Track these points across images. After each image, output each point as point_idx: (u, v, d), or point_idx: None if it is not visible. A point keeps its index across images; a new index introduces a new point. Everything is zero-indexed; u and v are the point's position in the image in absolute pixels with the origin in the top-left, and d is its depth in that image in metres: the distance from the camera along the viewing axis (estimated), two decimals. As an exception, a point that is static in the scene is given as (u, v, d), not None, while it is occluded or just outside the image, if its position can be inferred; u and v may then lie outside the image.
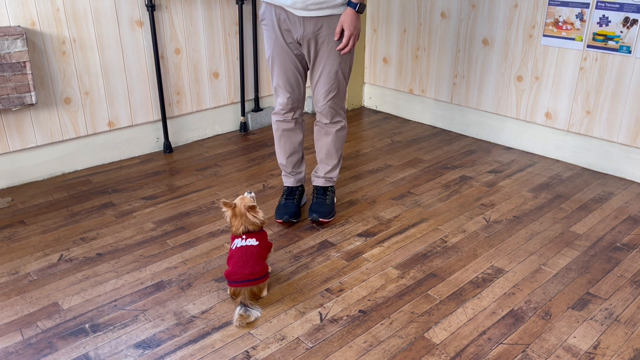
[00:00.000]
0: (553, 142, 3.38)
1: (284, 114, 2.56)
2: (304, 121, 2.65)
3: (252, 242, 2.06)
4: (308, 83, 2.55)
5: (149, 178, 3.10)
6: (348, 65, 2.44)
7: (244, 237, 2.07)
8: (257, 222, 2.09)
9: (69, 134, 3.08)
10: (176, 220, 2.65)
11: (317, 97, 2.49)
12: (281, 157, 2.68)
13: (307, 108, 4.19)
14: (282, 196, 2.71)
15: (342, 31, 2.31)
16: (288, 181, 2.72)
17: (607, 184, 3.07)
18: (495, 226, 2.63)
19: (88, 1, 2.94)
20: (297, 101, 2.53)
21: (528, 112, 3.43)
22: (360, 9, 2.29)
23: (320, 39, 2.34)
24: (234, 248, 2.07)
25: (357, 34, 2.33)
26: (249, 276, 2.00)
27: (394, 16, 3.94)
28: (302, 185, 2.75)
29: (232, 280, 2.02)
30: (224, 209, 2.10)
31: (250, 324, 1.96)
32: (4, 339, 1.89)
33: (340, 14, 2.30)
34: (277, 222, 2.62)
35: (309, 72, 2.50)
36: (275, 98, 2.55)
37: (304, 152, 2.75)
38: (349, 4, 2.28)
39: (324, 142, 2.61)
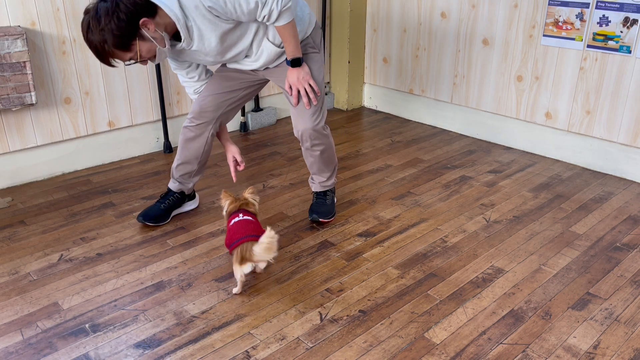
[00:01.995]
0: (553, 142, 3.38)
1: (190, 118, 2.45)
2: (212, 137, 2.48)
3: (250, 218, 2.14)
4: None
5: (149, 178, 3.10)
6: (319, 76, 2.37)
7: (240, 214, 2.14)
8: (255, 202, 2.26)
9: (69, 134, 3.08)
10: (176, 220, 2.65)
11: (297, 118, 2.39)
12: (175, 161, 2.58)
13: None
14: None
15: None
16: (171, 184, 2.63)
17: (607, 184, 3.07)
18: (495, 226, 2.63)
19: (88, 1, 2.94)
20: (208, 118, 2.43)
21: (528, 112, 3.43)
22: (294, 64, 2.25)
23: (283, 65, 2.33)
24: (232, 224, 2.12)
25: (308, 79, 2.29)
26: (252, 234, 2.03)
27: (394, 16, 3.94)
28: (182, 193, 2.63)
29: (235, 240, 2.04)
30: (223, 197, 2.27)
31: (250, 324, 1.96)
32: (4, 339, 1.89)
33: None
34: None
35: (286, 96, 2.41)
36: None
37: (202, 170, 2.62)
38: (287, 62, 2.26)
39: (311, 161, 2.55)
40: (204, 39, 2.09)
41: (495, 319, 2.01)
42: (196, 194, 2.79)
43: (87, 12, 1.93)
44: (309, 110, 2.35)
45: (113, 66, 2.04)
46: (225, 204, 2.25)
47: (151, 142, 3.43)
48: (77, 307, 2.05)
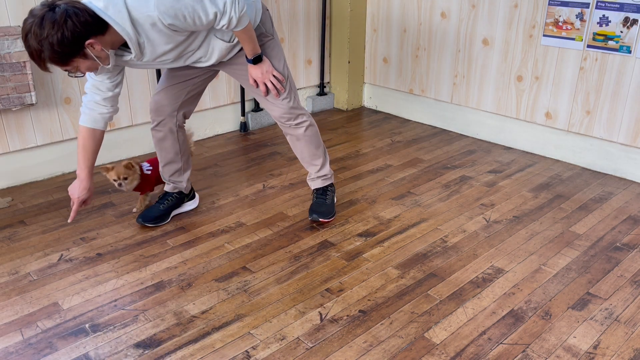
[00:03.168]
0: (553, 142, 3.38)
1: (152, 118, 2.47)
2: (180, 130, 2.51)
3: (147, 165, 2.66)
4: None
5: (149, 178, 3.10)
6: (280, 63, 2.36)
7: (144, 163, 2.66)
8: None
9: (69, 134, 3.08)
10: (176, 220, 2.65)
11: (272, 106, 2.42)
12: (159, 165, 2.60)
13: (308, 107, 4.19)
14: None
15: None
16: (166, 186, 2.65)
17: (607, 184, 3.07)
18: (495, 226, 2.63)
19: (88, 1, 2.94)
20: (168, 111, 2.43)
21: (528, 112, 3.43)
22: (256, 61, 2.26)
23: (237, 58, 2.32)
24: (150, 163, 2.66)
25: (271, 71, 2.30)
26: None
27: (394, 16, 3.94)
28: (180, 193, 2.65)
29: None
30: (105, 170, 2.52)
31: (250, 324, 1.96)
32: (4, 339, 1.89)
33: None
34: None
35: (250, 91, 2.42)
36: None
37: (189, 163, 2.63)
38: (248, 60, 2.27)
39: (300, 147, 2.56)
40: (156, 51, 2.06)
41: (495, 319, 2.01)
42: (196, 193, 2.79)
43: (32, 15, 1.82)
44: (280, 96, 2.38)
45: (49, 71, 1.94)
46: (112, 173, 2.49)
47: (151, 142, 3.43)
48: (77, 307, 2.05)
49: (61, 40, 1.80)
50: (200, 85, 2.46)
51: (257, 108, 3.88)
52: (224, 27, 2.06)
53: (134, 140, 3.35)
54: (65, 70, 1.95)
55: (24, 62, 2.70)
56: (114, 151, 3.29)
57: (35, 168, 3.03)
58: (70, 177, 3.09)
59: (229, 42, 2.21)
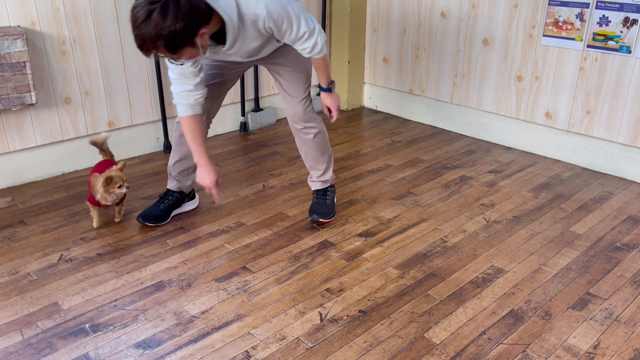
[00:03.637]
0: (553, 142, 3.38)
1: None
2: (206, 128, 2.56)
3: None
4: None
5: (149, 178, 3.10)
6: (309, 66, 2.46)
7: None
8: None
9: (69, 134, 3.08)
10: (176, 220, 2.65)
11: (289, 102, 2.47)
12: (171, 159, 2.60)
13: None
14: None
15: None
16: (170, 183, 2.64)
17: (607, 184, 3.07)
18: (495, 226, 2.63)
19: (88, 1, 2.94)
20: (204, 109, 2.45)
21: (528, 112, 3.43)
22: (332, 89, 2.43)
23: (276, 54, 2.36)
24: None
25: (339, 99, 2.50)
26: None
27: (394, 16, 3.94)
28: (180, 192, 2.65)
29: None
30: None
31: (250, 324, 1.96)
32: (4, 339, 1.89)
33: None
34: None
35: (276, 80, 2.48)
36: None
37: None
38: (322, 89, 2.40)
39: (305, 150, 2.59)
40: (243, 47, 2.12)
41: (495, 319, 2.01)
42: (196, 194, 2.79)
43: (152, 1, 1.74)
44: (299, 96, 2.44)
45: (152, 58, 1.93)
46: (116, 179, 2.45)
47: (151, 142, 3.43)
48: (77, 307, 2.05)
49: (182, 30, 1.78)
50: (230, 84, 2.51)
51: (257, 108, 3.88)
52: (305, 51, 2.17)
53: (134, 140, 3.35)
54: (168, 58, 1.93)
55: (24, 62, 2.70)
56: (113, 151, 3.29)
57: (35, 168, 3.03)
58: (70, 177, 3.10)
59: (278, 42, 2.28)
